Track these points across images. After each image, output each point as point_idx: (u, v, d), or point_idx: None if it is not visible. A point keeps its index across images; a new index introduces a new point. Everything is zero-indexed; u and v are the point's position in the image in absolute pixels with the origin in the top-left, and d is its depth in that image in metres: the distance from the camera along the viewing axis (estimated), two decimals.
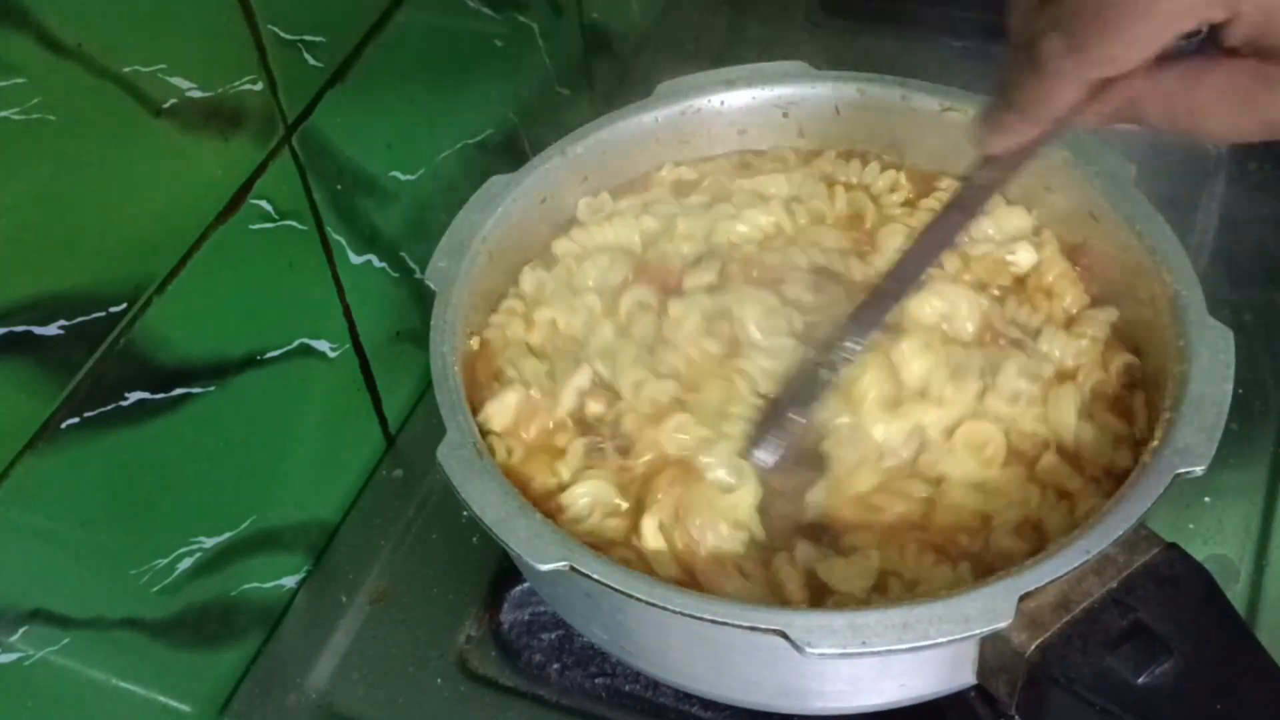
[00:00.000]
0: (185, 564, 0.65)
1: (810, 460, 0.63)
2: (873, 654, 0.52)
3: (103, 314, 0.56)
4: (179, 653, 0.67)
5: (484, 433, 0.64)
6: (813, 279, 0.71)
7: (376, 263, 0.77)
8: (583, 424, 0.66)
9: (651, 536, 0.60)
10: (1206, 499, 0.74)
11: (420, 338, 0.73)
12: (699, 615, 0.53)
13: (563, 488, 0.63)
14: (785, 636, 0.52)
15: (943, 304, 0.67)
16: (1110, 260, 0.69)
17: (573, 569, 0.55)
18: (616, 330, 0.69)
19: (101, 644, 0.61)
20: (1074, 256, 0.71)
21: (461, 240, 0.69)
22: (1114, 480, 0.62)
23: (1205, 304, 0.62)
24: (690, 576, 0.60)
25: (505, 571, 0.74)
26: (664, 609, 0.53)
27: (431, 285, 0.67)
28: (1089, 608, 0.53)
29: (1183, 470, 0.56)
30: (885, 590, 0.58)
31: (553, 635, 0.72)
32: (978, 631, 0.52)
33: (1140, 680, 0.51)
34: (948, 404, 0.63)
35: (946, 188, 0.75)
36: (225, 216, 0.63)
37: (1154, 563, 0.54)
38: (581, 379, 0.67)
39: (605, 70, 1.02)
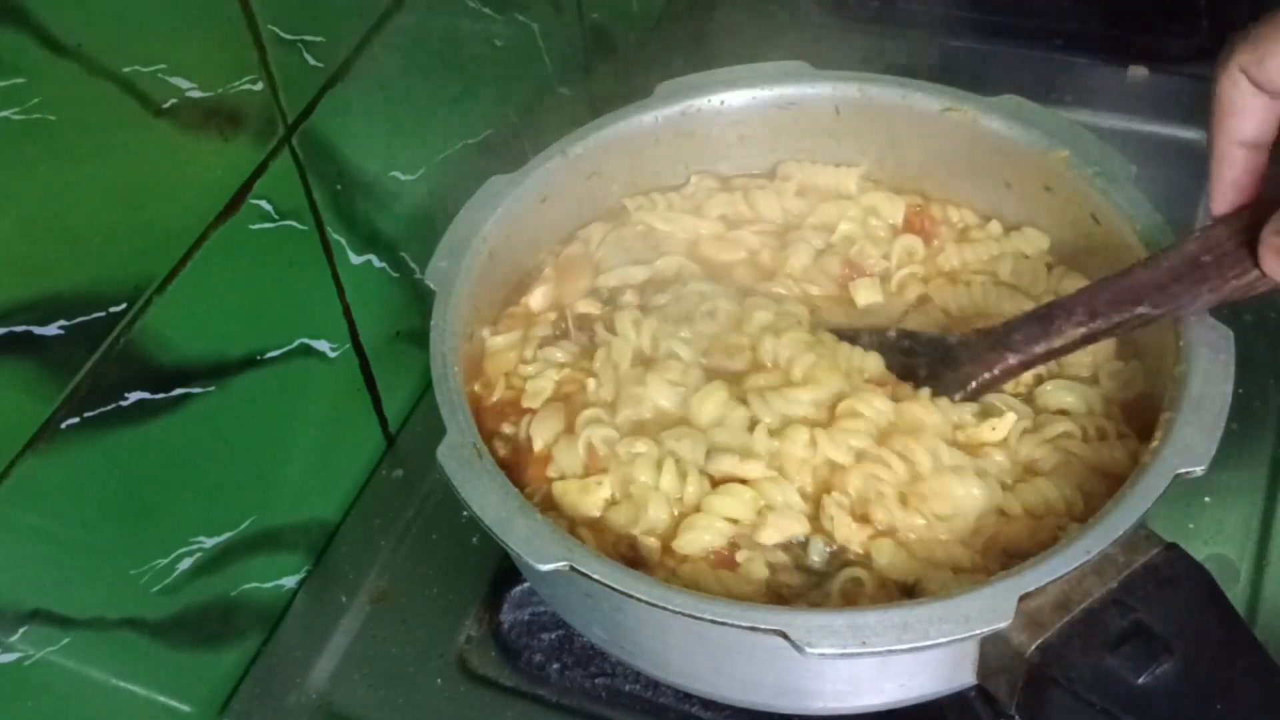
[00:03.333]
0: (185, 564, 0.65)
1: None
2: (873, 654, 0.52)
3: (103, 314, 0.56)
4: (179, 653, 0.67)
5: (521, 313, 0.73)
6: None
7: (376, 263, 0.77)
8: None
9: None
10: (1206, 499, 0.74)
11: (420, 338, 0.73)
12: (699, 615, 0.53)
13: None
14: (785, 636, 0.52)
15: None
16: (1111, 262, 0.69)
17: (573, 569, 0.55)
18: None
19: (101, 644, 0.61)
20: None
21: (461, 240, 0.69)
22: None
23: None
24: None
25: (505, 571, 0.74)
26: (664, 609, 0.53)
27: (431, 285, 0.67)
28: (1089, 608, 0.53)
29: (1183, 470, 0.56)
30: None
31: (553, 635, 0.72)
32: (978, 631, 0.52)
33: (1140, 680, 0.51)
34: None
35: None
36: (225, 216, 0.63)
37: (1154, 563, 0.54)
38: (637, 274, 0.74)
39: (605, 70, 1.02)
